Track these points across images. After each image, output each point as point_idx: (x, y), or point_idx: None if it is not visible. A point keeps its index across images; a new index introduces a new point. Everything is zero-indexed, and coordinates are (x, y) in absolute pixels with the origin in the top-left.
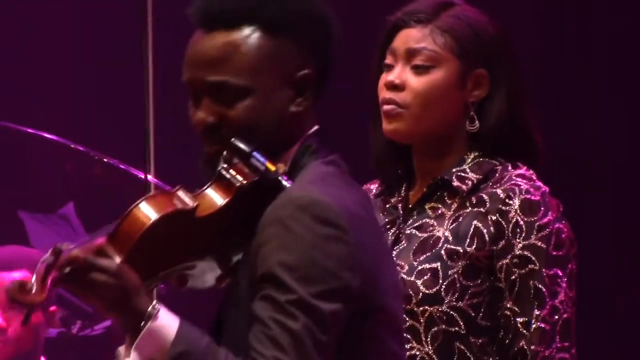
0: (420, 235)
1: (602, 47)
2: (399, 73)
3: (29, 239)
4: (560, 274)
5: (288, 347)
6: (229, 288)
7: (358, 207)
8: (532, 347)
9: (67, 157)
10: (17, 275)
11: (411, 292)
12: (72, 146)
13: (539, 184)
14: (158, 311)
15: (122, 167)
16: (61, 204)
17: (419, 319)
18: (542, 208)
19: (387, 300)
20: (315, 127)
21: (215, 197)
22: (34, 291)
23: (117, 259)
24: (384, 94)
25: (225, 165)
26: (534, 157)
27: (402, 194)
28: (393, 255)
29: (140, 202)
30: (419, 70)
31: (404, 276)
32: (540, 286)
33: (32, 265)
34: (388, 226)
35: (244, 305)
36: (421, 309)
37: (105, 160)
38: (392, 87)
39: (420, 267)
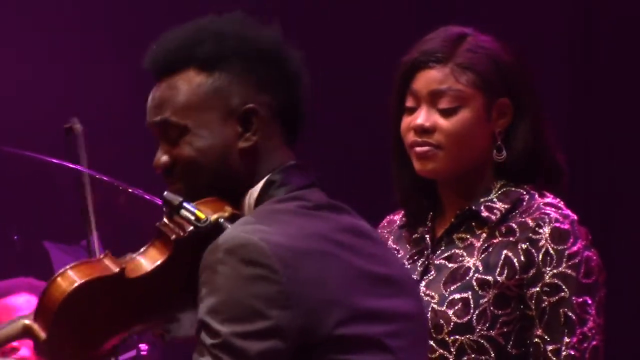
0: (450, 265)
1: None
2: (426, 116)
3: (53, 269)
4: (590, 302)
5: None
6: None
7: (305, 240)
8: None
9: (92, 186)
10: (20, 299)
11: (442, 322)
12: (96, 176)
13: (568, 212)
14: None
15: (147, 197)
16: (86, 235)
17: (449, 348)
18: (572, 236)
19: (355, 326)
20: (289, 163)
21: (153, 256)
22: None
23: (43, 336)
24: (411, 137)
25: (164, 221)
26: (559, 179)
27: (428, 224)
28: (422, 285)
29: (57, 275)
30: (446, 112)
31: (435, 306)
32: (570, 314)
33: (32, 289)
34: (416, 257)
35: None
36: (452, 338)
37: (130, 190)
38: (422, 130)
39: (451, 297)
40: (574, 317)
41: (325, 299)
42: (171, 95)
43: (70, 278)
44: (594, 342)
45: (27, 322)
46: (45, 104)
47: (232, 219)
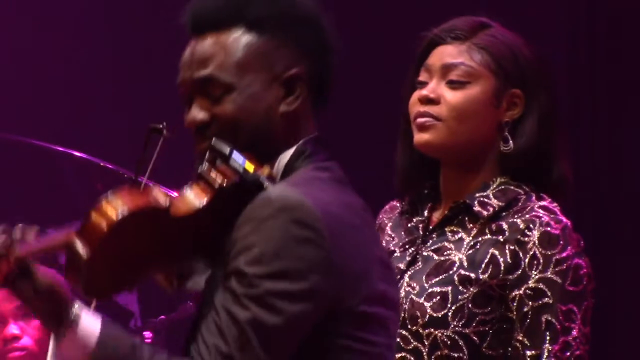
0: (436, 258)
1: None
2: (433, 87)
3: (55, 254)
4: (576, 310)
5: (231, 337)
6: (206, 285)
7: (345, 210)
8: None
9: (97, 175)
10: None
11: (418, 314)
12: (101, 164)
13: (561, 217)
14: (79, 319)
15: (151, 184)
16: None
17: (423, 341)
18: (562, 242)
19: (373, 306)
20: (315, 134)
21: (195, 198)
22: None
23: (85, 253)
24: (417, 108)
25: (206, 167)
26: (561, 187)
27: (425, 215)
28: (407, 275)
29: (112, 196)
30: (454, 85)
31: (414, 297)
32: (553, 321)
33: None
34: (407, 246)
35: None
36: (426, 331)
37: (134, 177)
38: (427, 101)
39: (430, 290)
40: (557, 325)
41: (356, 273)
42: (218, 52)
43: (123, 201)
44: (578, 352)
45: (71, 237)
46: (50, 91)
47: (269, 179)
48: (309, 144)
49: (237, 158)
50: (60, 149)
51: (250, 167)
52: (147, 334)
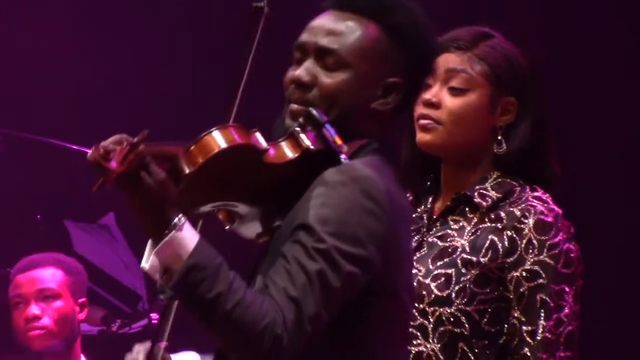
0: (441, 244)
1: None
2: (436, 92)
3: (73, 245)
4: (567, 290)
5: (299, 283)
6: (266, 244)
7: (402, 198)
8: (537, 355)
9: None
10: (46, 272)
11: (424, 293)
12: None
13: (553, 206)
14: (183, 224)
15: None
16: (102, 214)
17: (428, 318)
18: (554, 229)
19: (402, 291)
20: (387, 135)
21: (285, 151)
22: (114, 162)
23: (187, 169)
24: (420, 109)
25: (298, 128)
26: (551, 182)
27: (428, 205)
28: (414, 259)
29: (221, 127)
30: (454, 92)
31: (420, 278)
32: (547, 299)
33: (58, 263)
34: (413, 233)
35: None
36: (432, 309)
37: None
38: (429, 104)
39: (436, 272)
40: (551, 303)
41: (401, 257)
42: (350, 32)
43: (232, 135)
44: (570, 328)
45: (179, 152)
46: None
47: (347, 157)
48: (376, 141)
49: (330, 130)
50: (75, 147)
51: (338, 141)
52: (155, 315)
